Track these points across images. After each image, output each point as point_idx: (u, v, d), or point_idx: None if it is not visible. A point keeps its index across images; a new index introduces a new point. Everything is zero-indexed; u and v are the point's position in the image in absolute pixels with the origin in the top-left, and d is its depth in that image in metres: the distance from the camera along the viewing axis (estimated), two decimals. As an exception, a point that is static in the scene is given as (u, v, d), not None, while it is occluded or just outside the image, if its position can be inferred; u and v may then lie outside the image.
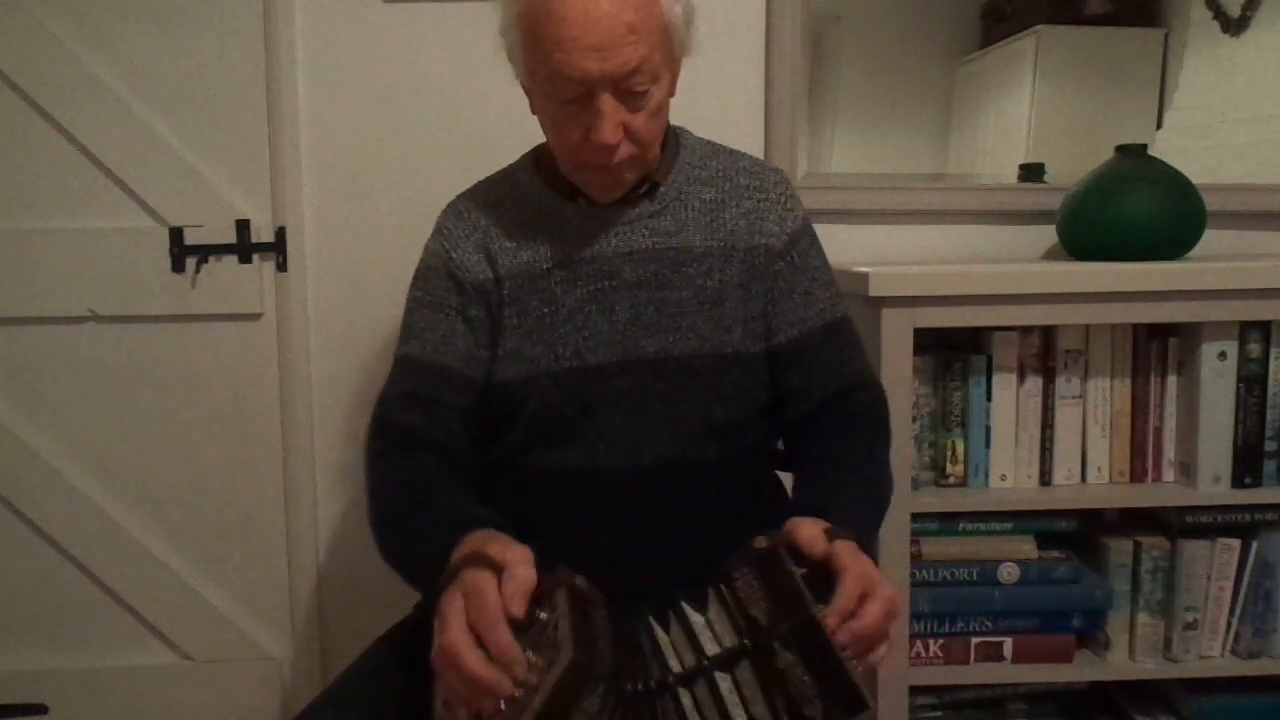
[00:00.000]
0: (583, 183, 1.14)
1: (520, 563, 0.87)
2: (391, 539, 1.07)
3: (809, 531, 0.93)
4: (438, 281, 1.18)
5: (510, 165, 1.26)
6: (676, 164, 1.20)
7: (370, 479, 1.14)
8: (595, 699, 0.82)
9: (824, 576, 0.90)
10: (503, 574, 0.86)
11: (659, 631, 0.91)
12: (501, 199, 1.21)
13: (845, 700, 0.83)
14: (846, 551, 0.91)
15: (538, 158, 1.23)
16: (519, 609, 0.84)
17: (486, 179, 1.26)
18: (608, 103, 1.03)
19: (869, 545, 1.00)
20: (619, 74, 1.02)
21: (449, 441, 1.14)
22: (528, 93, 1.14)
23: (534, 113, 1.14)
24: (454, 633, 0.83)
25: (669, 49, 1.08)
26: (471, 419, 1.17)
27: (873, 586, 0.90)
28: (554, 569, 0.89)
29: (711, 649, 0.88)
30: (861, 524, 1.05)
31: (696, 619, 0.90)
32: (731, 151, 1.24)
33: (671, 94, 1.12)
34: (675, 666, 0.88)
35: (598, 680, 0.82)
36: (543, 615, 0.85)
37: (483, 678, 0.81)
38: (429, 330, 1.17)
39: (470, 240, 1.18)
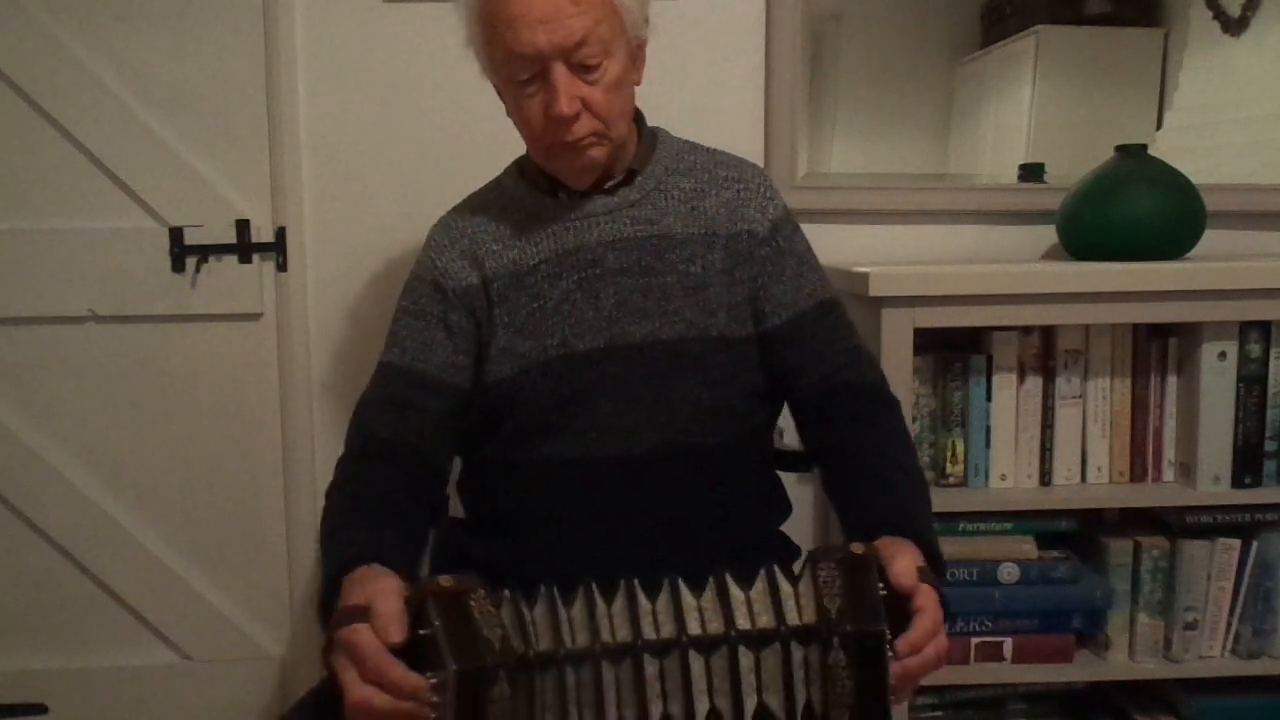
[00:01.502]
0: (556, 170, 1.18)
1: (380, 595, 0.89)
2: (322, 554, 1.10)
3: (904, 565, 0.94)
4: (422, 290, 1.22)
5: (496, 176, 1.30)
6: (654, 156, 1.23)
7: (332, 484, 1.17)
8: (502, 685, 0.82)
9: (894, 604, 0.91)
10: (369, 615, 0.88)
11: (686, 594, 0.90)
12: (488, 206, 1.25)
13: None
14: (927, 595, 0.94)
15: (520, 164, 1.27)
16: (396, 635, 0.86)
17: (475, 191, 1.30)
18: (561, 74, 1.08)
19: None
20: (567, 44, 1.07)
21: (418, 444, 1.17)
22: (500, 94, 1.18)
23: (509, 115, 1.18)
24: (354, 691, 0.86)
25: (618, 23, 1.11)
26: (448, 424, 1.20)
27: (938, 635, 0.93)
28: (418, 580, 0.90)
29: (744, 624, 0.87)
30: (933, 538, 1.06)
31: (737, 593, 0.90)
32: (709, 149, 1.28)
33: (638, 79, 1.17)
34: (695, 630, 0.87)
35: (493, 670, 0.82)
36: (424, 632, 0.85)
37: (398, 710, 0.84)
38: (410, 338, 1.21)
39: (455, 247, 1.22)
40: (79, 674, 1.75)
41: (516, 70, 1.09)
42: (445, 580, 0.87)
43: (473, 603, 0.85)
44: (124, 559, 1.74)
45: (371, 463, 1.16)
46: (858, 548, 0.93)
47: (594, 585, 0.91)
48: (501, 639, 0.84)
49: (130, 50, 1.65)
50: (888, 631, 0.86)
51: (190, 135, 1.66)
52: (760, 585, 0.90)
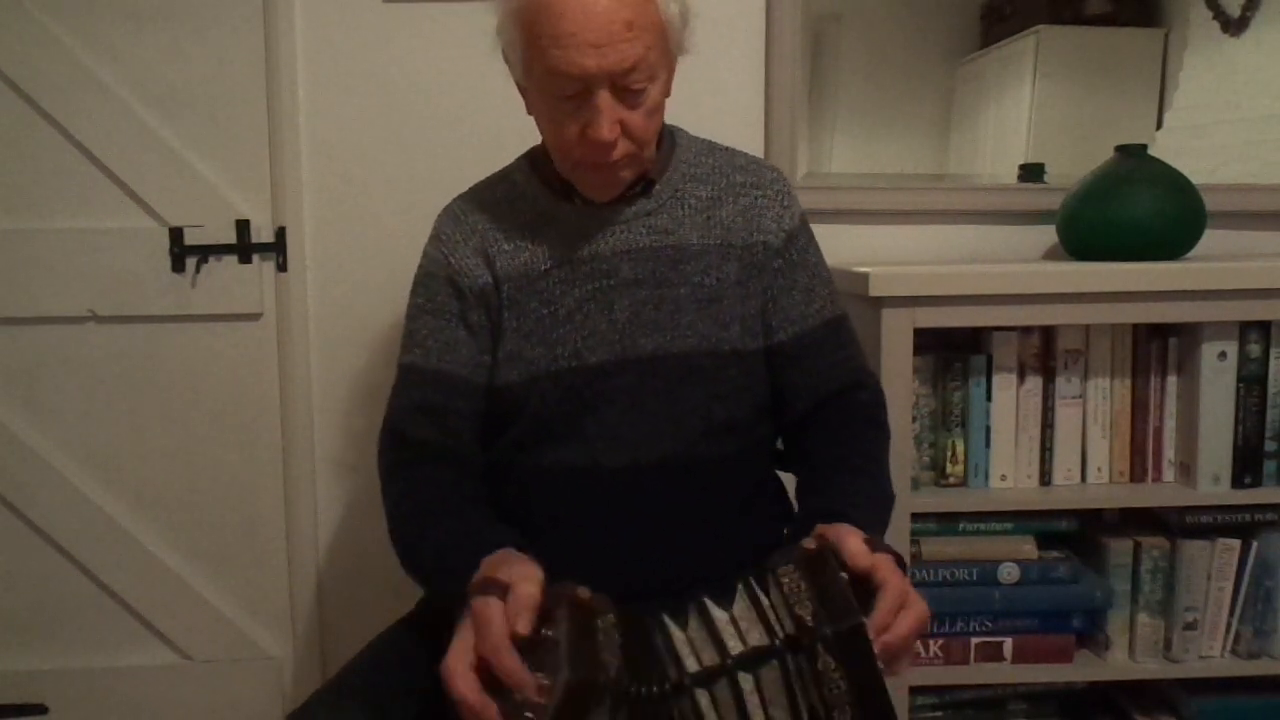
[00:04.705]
0: (579, 181, 1.14)
1: (524, 579, 0.89)
2: (414, 560, 1.08)
3: (855, 544, 0.93)
4: (438, 288, 1.18)
5: (506, 168, 1.26)
6: (672, 162, 1.20)
7: (387, 495, 1.14)
8: (603, 711, 0.81)
9: (861, 587, 0.91)
10: (508, 594, 0.88)
11: (674, 629, 0.90)
12: (498, 201, 1.21)
13: (876, 712, 0.84)
14: (886, 565, 0.92)
15: (533, 159, 1.23)
16: (523, 626, 0.85)
17: (482, 181, 1.26)
18: (605, 99, 1.04)
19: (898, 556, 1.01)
20: (616, 71, 1.02)
21: (461, 449, 1.15)
22: (523, 92, 1.14)
23: (530, 112, 1.14)
24: (451, 659, 0.86)
25: (665, 47, 1.08)
26: (479, 424, 1.17)
27: (908, 601, 0.92)
28: (560, 583, 0.89)
29: (736, 647, 0.87)
30: (877, 534, 1.05)
31: (720, 615, 0.89)
32: (727, 149, 1.24)
33: (667, 93, 1.13)
34: (692, 666, 0.87)
35: (602, 693, 0.81)
36: (548, 633, 0.85)
37: (470, 703, 0.84)
38: (432, 338, 1.17)
39: (468, 244, 1.18)
40: (79, 674, 1.76)
41: (557, 87, 1.04)
42: (584, 592, 0.88)
43: (600, 623, 0.86)
44: (124, 559, 1.74)
45: (424, 466, 1.13)
46: (809, 543, 0.93)
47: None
48: (618, 668, 0.84)
49: (130, 50, 1.65)
50: (865, 621, 0.86)
51: (190, 135, 1.66)
52: (742, 602, 0.90)
